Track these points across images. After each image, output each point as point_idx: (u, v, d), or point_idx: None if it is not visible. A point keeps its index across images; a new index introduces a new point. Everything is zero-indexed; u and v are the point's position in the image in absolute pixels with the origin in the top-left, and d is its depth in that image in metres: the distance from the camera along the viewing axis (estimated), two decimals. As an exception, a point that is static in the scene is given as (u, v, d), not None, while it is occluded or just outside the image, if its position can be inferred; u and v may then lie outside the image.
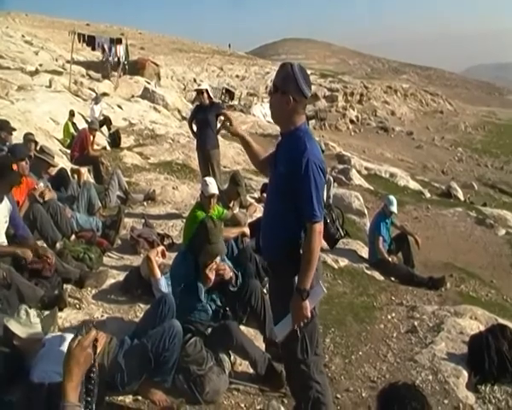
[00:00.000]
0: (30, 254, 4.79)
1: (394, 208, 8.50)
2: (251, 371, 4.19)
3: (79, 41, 25.80)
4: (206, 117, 8.46)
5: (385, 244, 8.34)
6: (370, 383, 4.48)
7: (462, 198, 17.91)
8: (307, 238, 2.94)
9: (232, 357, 4.18)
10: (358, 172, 16.65)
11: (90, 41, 27.28)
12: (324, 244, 7.63)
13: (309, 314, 2.97)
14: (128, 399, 3.63)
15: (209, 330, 4.15)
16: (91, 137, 10.77)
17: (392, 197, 8.70)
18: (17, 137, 8.74)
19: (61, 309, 4.61)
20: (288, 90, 2.96)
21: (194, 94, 28.63)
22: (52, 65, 25.58)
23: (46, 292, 4.65)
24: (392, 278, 7.81)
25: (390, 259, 8.28)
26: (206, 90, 8.69)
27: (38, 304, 4.45)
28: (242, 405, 3.84)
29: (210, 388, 3.68)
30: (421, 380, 4.50)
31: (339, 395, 4.19)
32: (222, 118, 8.71)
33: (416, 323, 5.73)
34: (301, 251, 2.99)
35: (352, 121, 42.32)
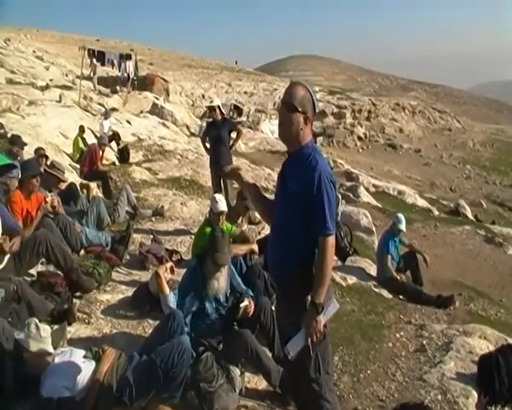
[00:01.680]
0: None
1: (403, 227, 8.48)
2: (260, 387, 4.19)
3: (89, 56, 26.01)
4: (219, 133, 8.52)
5: (393, 262, 8.31)
6: (379, 402, 4.46)
7: (470, 216, 17.83)
8: (321, 252, 2.95)
9: (243, 374, 4.18)
10: (366, 189, 16.65)
11: (100, 56, 27.54)
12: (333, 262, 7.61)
13: (322, 329, 2.97)
14: (136, 415, 3.61)
15: (221, 345, 4.15)
16: (101, 152, 10.82)
17: (400, 215, 8.69)
18: (28, 152, 8.83)
19: (69, 324, 4.64)
20: (307, 110, 3.01)
21: (202, 110, 28.86)
22: (62, 80, 25.82)
23: (56, 306, 4.67)
24: (401, 297, 7.77)
25: (398, 277, 8.25)
26: (219, 107, 8.76)
27: (48, 318, 4.48)
28: (251, 422, 3.82)
29: (219, 405, 3.67)
30: (429, 400, 4.46)
31: (347, 414, 4.17)
32: (234, 134, 8.82)
33: (424, 342, 5.69)
34: (314, 266, 2.99)
35: (359, 138, 42.37)
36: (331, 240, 2.96)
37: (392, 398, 4.52)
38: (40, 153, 8.32)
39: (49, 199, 6.02)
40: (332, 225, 2.96)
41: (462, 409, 4.34)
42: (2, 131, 10.72)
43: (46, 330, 3.59)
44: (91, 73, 25.49)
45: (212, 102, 9.50)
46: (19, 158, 7.78)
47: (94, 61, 25.48)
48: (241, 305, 4.23)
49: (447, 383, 4.69)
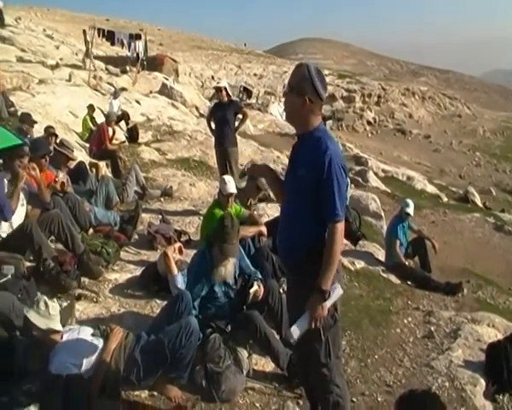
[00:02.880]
0: None
1: (411, 212, 8.42)
2: (267, 370, 4.19)
3: (99, 36, 25.92)
4: (225, 115, 8.44)
5: (402, 248, 8.27)
6: (386, 388, 4.45)
7: (479, 204, 17.71)
8: (329, 238, 2.91)
9: (251, 356, 4.18)
10: (375, 174, 16.54)
11: (110, 36, 27.42)
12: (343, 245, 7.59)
13: (326, 314, 2.94)
14: (144, 394, 3.63)
15: (229, 327, 4.15)
16: (110, 130, 10.75)
17: (409, 201, 8.63)
18: (38, 130, 8.82)
19: (78, 299, 4.68)
20: (303, 91, 2.94)
21: (212, 91, 28.73)
22: (72, 59, 25.73)
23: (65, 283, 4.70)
24: (409, 282, 7.73)
25: (407, 263, 8.22)
26: (225, 88, 8.65)
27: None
28: (257, 404, 3.83)
29: (226, 386, 3.68)
30: (437, 386, 4.46)
31: (354, 399, 4.16)
32: (240, 116, 8.77)
33: (432, 328, 5.69)
34: (323, 252, 2.95)
35: (369, 123, 42.12)
36: (340, 226, 2.92)
37: (400, 384, 4.52)
38: (50, 131, 8.30)
39: (59, 178, 6.03)
40: (341, 212, 2.92)
41: (469, 397, 4.34)
42: (12, 109, 10.69)
43: (55, 307, 3.59)
44: (88, 52, 25.20)
45: (218, 82, 9.42)
46: (29, 136, 7.78)
47: (88, 38, 25.17)
48: (251, 290, 4.23)
49: (455, 371, 4.69)
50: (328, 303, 2.94)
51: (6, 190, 4.96)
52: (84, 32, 26.45)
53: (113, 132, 10.94)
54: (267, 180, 3.52)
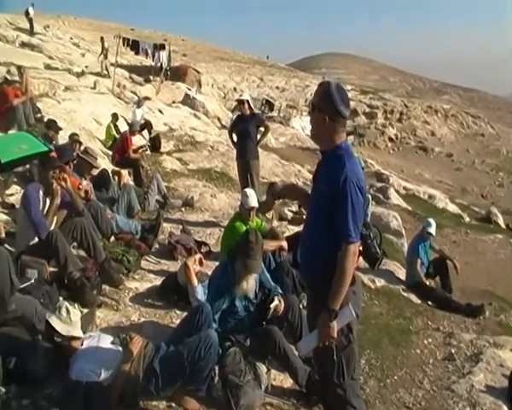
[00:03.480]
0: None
1: (433, 231, 8.34)
2: (286, 386, 4.15)
3: (124, 45, 26.31)
4: (247, 127, 8.44)
5: (423, 267, 8.18)
6: (405, 410, 4.38)
7: (502, 224, 17.40)
8: (340, 258, 2.87)
9: (270, 371, 4.14)
10: (397, 191, 16.40)
11: (134, 45, 27.80)
12: (361, 263, 7.53)
13: (335, 335, 2.90)
14: (162, 405, 3.61)
15: (248, 341, 4.12)
16: (132, 139, 10.82)
17: (431, 220, 8.56)
18: (63, 136, 8.95)
19: (98, 306, 4.70)
20: (323, 109, 2.94)
21: (234, 103, 28.87)
22: (97, 67, 26.11)
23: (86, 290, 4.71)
24: (429, 302, 7.62)
25: (427, 282, 8.12)
26: (247, 101, 8.66)
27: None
28: (275, 420, 3.79)
29: (245, 401, 3.64)
30: (457, 411, 4.38)
31: (373, 419, 4.10)
32: (262, 129, 8.76)
33: (453, 350, 5.61)
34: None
35: (390, 139, 41.95)
36: (353, 248, 2.86)
37: (419, 406, 4.46)
38: (74, 138, 8.42)
39: (83, 185, 6.09)
40: (355, 233, 2.86)
41: (491, 423, 4.24)
42: (39, 115, 10.86)
43: (76, 313, 3.62)
44: (103, 58, 25.59)
45: (241, 95, 9.44)
46: (54, 142, 7.89)
47: (106, 45, 25.66)
48: (272, 305, 4.20)
49: (476, 396, 4.61)
50: (337, 324, 2.89)
51: (42, 204, 5.02)
52: (102, 38, 26.90)
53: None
54: (299, 201, 3.51)
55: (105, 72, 23.24)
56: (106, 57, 24.98)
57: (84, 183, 6.52)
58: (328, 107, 2.92)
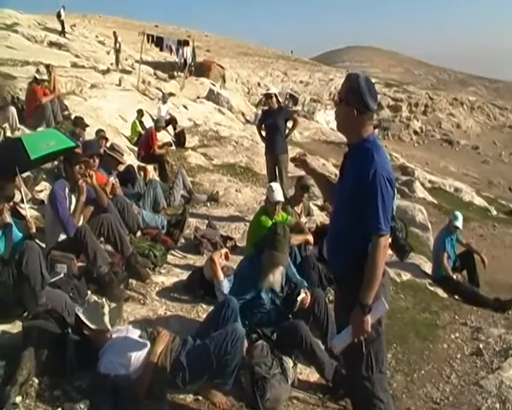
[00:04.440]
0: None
1: (460, 225, 8.22)
2: (312, 380, 4.15)
3: (148, 42, 26.50)
4: (275, 121, 8.41)
5: (449, 261, 8.07)
6: (433, 405, 4.35)
7: (530, 218, 17.08)
8: (371, 252, 2.85)
9: (296, 366, 4.15)
10: (422, 184, 16.19)
11: (158, 42, 27.96)
12: (387, 257, 7.47)
13: (369, 329, 2.88)
14: (189, 398, 3.65)
15: (275, 335, 4.14)
16: (157, 135, 10.91)
17: (458, 213, 8.41)
18: (89, 133, 9.06)
19: (126, 300, 4.77)
20: (352, 102, 2.92)
21: (257, 98, 28.89)
22: (122, 64, 26.38)
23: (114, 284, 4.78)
24: (456, 297, 7.52)
25: (454, 276, 8.01)
26: (275, 95, 8.63)
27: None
28: (301, 414, 3.80)
29: (271, 394, 3.65)
30: (487, 407, 4.33)
31: (400, 414, 4.08)
32: (290, 123, 8.70)
33: (481, 345, 5.53)
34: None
35: (415, 132, 41.53)
36: (384, 241, 2.85)
37: (447, 401, 4.41)
38: (101, 135, 8.52)
39: (110, 181, 6.18)
40: (386, 226, 2.84)
41: (521, 420, 4.17)
42: (66, 112, 11.01)
43: (104, 307, 3.67)
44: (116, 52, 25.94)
45: (268, 89, 9.40)
46: (81, 139, 8.00)
47: (119, 39, 26.35)
48: (299, 298, 4.20)
49: (506, 392, 4.53)
50: (371, 318, 2.87)
51: (68, 201, 5.12)
52: (114, 33, 27.35)
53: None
54: (316, 181, 3.47)
55: (119, 66, 23.53)
56: (119, 51, 25.35)
57: (111, 178, 6.61)
58: (355, 99, 2.90)
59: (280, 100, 8.97)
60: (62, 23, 31.32)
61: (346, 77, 3.07)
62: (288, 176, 8.61)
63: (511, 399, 4.41)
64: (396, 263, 7.75)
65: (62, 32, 30.26)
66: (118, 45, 26.27)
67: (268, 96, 8.78)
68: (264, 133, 8.82)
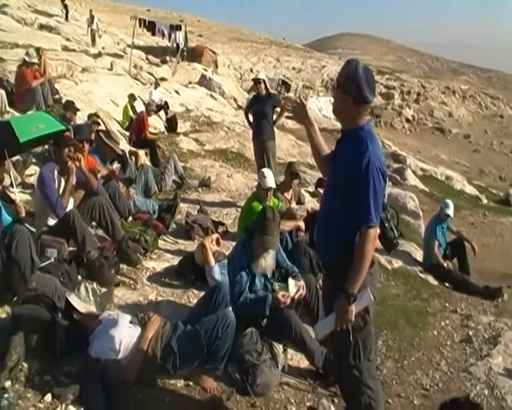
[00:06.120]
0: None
1: (451, 212, 8.24)
2: (302, 366, 4.16)
3: (140, 26, 26.26)
4: (263, 108, 8.33)
5: (440, 249, 8.11)
6: (423, 391, 4.37)
7: (521, 207, 17.19)
8: (360, 242, 2.84)
9: (286, 351, 4.16)
10: (414, 172, 16.23)
11: (151, 26, 27.74)
12: (379, 245, 7.49)
13: (353, 318, 2.88)
14: (179, 384, 3.65)
15: (265, 321, 4.13)
16: (148, 119, 10.83)
17: (449, 201, 8.44)
18: (80, 117, 8.98)
19: (116, 285, 4.76)
20: (348, 90, 2.88)
21: (250, 83, 28.72)
22: (114, 48, 26.09)
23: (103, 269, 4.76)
24: (447, 284, 7.57)
25: (445, 264, 8.04)
26: (264, 81, 8.50)
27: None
28: (292, 400, 3.81)
29: (261, 380, 3.66)
30: (476, 394, 4.35)
31: (390, 400, 4.11)
32: (278, 109, 8.67)
33: (470, 333, 5.57)
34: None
35: (407, 120, 41.62)
36: (373, 232, 2.83)
37: (437, 388, 4.43)
38: (93, 119, 8.46)
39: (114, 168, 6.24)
40: (376, 217, 2.82)
41: (510, 407, 4.21)
42: (57, 96, 10.89)
43: (95, 292, 3.66)
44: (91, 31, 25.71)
45: (257, 75, 9.30)
46: (72, 123, 7.93)
47: (94, 20, 26.32)
48: (292, 288, 4.16)
49: (494, 378, 4.57)
50: (355, 308, 2.87)
51: (57, 184, 5.07)
52: (91, 10, 27.77)
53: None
54: (310, 139, 3.35)
55: (95, 46, 23.32)
56: (97, 30, 25.12)
57: (115, 165, 6.61)
58: (353, 90, 2.86)
59: (268, 86, 8.87)
60: (66, 7, 30.92)
61: (345, 62, 3.01)
62: (276, 162, 8.56)
63: (500, 385, 4.45)
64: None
65: (66, 18, 29.90)
66: (96, 25, 25.94)
67: (256, 81, 8.65)
68: (251, 119, 8.76)
